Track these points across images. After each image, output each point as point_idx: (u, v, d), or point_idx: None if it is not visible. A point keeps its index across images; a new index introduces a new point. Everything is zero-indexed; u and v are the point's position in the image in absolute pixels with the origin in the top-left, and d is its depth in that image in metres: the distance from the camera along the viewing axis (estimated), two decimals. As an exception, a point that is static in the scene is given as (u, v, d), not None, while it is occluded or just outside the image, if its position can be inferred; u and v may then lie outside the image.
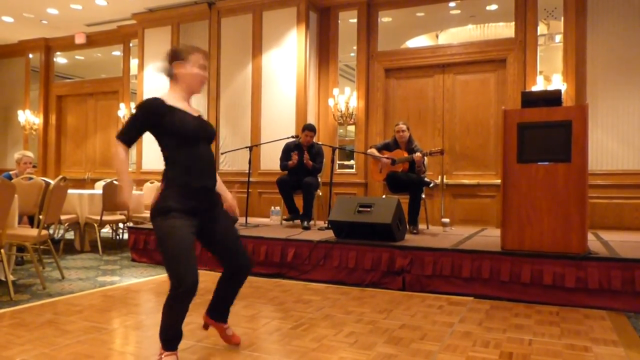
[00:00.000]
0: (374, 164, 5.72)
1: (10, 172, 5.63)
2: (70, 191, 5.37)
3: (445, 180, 6.87)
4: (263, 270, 4.60)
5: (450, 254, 4.05)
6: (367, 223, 4.43)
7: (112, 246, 6.44)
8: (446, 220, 5.67)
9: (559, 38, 6.33)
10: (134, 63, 9.13)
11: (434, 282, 4.07)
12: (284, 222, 6.03)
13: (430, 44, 7.24)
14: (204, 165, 2.32)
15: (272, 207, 6.70)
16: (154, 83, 8.18)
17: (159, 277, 4.59)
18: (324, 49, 7.56)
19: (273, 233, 5.02)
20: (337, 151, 6.26)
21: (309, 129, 5.79)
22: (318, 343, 2.74)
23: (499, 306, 3.64)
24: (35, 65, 10.22)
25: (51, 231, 4.66)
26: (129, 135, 2.27)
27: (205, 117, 2.47)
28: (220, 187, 2.51)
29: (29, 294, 3.84)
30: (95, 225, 5.86)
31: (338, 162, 7.23)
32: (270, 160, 7.18)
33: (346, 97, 7.20)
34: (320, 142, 6.37)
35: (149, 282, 4.40)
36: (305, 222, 5.51)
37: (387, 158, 5.40)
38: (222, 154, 7.52)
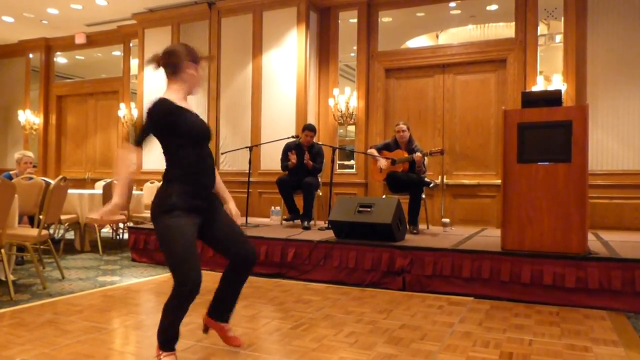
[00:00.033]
0: (374, 164, 5.72)
1: (11, 172, 5.63)
2: (70, 191, 5.37)
3: (445, 181, 6.87)
4: (263, 270, 4.60)
5: (451, 254, 4.05)
6: (367, 223, 4.43)
7: (112, 246, 6.44)
8: (446, 220, 5.67)
9: (559, 38, 6.33)
10: (134, 63, 9.14)
11: (434, 282, 4.07)
12: (284, 222, 6.03)
13: (430, 44, 7.24)
14: (206, 165, 2.33)
15: (272, 207, 6.70)
16: (154, 83, 8.18)
17: (159, 277, 4.59)
18: (324, 49, 7.56)
19: (273, 233, 5.02)
20: (337, 151, 6.27)
21: (309, 129, 5.79)
22: (318, 343, 2.74)
23: (499, 306, 3.64)
24: (35, 65, 10.22)
25: (51, 231, 4.67)
26: (140, 138, 2.25)
27: (203, 117, 2.47)
28: (220, 188, 2.51)
29: (29, 293, 3.84)
30: (96, 225, 5.86)
31: (338, 162, 7.23)
32: (271, 160, 7.19)
33: (346, 97, 7.20)
34: (320, 142, 6.37)
35: (149, 282, 4.40)
36: (306, 222, 5.51)
37: (387, 158, 5.40)
38: (222, 154, 7.52)
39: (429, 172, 6.02)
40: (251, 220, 6.19)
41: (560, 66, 6.26)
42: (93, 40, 9.59)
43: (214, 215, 2.35)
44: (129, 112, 9.00)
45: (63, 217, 5.63)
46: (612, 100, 6.09)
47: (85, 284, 4.22)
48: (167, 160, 2.30)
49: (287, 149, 5.83)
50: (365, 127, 7.25)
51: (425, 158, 5.19)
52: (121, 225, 6.87)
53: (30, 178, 4.68)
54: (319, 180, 5.98)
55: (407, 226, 5.00)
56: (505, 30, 6.73)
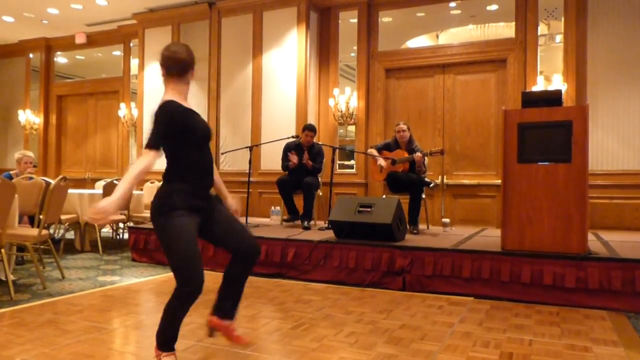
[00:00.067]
0: (374, 164, 5.72)
1: (11, 172, 5.63)
2: (70, 191, 5.37)
3: (445, 181, 6.87)
4: (263, 270, 4.60)
5: (451, 254, 4.05)
6: (368, 223, 4.43)
7: (112, 246, 6.45)
8: (446, 220, 5.67)
9: (559, 38, 6.33)
10: (134, 63, 9.13)
11: (434, 282, 4.07)
12: (283, 222, 6.03)
13: (430, 44, 7.24)
14: (207, 165, 2.34)
15: (272, 207, 6.70)
16: (154, 83, 8.19)
17: (159, 277, 4.60)
18: (325, 49, 7.56)
19: (273, 233, 5.02)
20: (337, 151, 6.27)
21: (309, 129, 5.80)
22: (318, 343, 2.74)
23: (499, 306, 3.64)
24: (35, 65, 10.22)
25: (51, 231, 4.67)
26: (159, 142, 2.19)
27: (203, 117, 2.47)
28: (220, 186, 2.51)
29: (29, 293, 3.84)
30: (96, 225, 5.86)
31: (338, 162, 7.23)
32: (271, 160, 7.19)
33: (346, 97, 7.20)
34: (320, 142, 6.37)
35: (149, 282, 4.40)
36: (306, 222, 5.51)
37: (387, 158, 5.41)
38: (222, 154, 7.52)
39: (429, 172, 6.02)
40: (251, 220, 6.19)
41: (560, 66, 6.26)
42: (93, 40, 9.59)
43: (212, 214, 2.36)
44: (129, 112, 8.99)
45: (63, 217, 5.63)
46: (612, 100, 6.09)
47: (86, 284, 4.23)
48: (168, 160, 2.30)
49: (287, 149, 5.83)
50: (365, 127, 7.25)
51: (426, 158, 5.19)
52: (121, 225, 6.87)
53: (31, 178, 4.68)
54: (319, 180, 5.98)
55: (407, 226, 5.00)
56: (506, 30, 6.73)
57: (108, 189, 5.78)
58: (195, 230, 2.22)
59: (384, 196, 5.61)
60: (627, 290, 3.52)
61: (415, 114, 7.13)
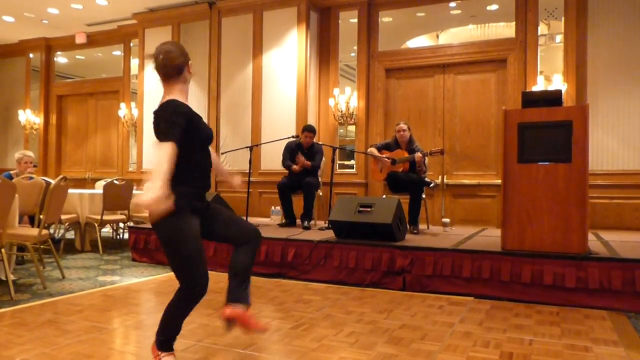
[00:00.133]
0: (374, 164, 5.72)
1: (11, 172, 5.63)
2: (70, 191, 5.37)
3: (445, 180, 6.87)
4: (263, 270, 4.60)
5: (451, 254, 4.05)
6: (368, 223, 4.43)
7: (112, 246, 6.45)
8: (446, 220, 5.67)
9: (559, 38, 6.33)
10: (134, 63, 9.14)
11: (435, 282, 4.07)
12: (279, 227, 6.00)
13: (430, 44, 7.24)
14: (208, 168, 2.37)
15: (273, 207, 6.70)
16: (155, 83, 8.16)
17: (159, 277, 4.60)
18: (325, 49, 7.56)
19: (273, 233, 5.02)
20: (337, 151, 6.27)
21: (309, 130, 5.80)
22: (318, 343, 2.74)
23: (499, 306, 3.63)
24: (35, 65, 10.22)
25: (52, 231, 4.67)
26: (177, 133, 2.11)
27: (203, 117, 2.48)
28: (219, 167, 2.63)
29: (30, 293, 3.84)
30: (96, 224, 5.86)
31: (338, 162, 7.23)
32: (271, 160, 7.19)
33: (347, 97, 7.20)
34: (320, 142, 6.37)
35: (149, 282, 4.40)
36: (306, 222, 5.51)
37: (388, 158, 5.41)
38: (222, 153, 7.52)
39: (429, 172, 6.02)
40: (251, 220, 6.17)
41: (560, 66, 6.26)
42: (93, 40, 9.59)
43: (209, 213, 2.37)
44: (129, 112, 9.00)
45: (63, 216, 5.63)
46: (613, 100, 6.09)
47: (86, 284, 4.23)
48: None
49: (288, 148, 5.85)
50: (365, 127, 7.25)
51: (426, 158, 5.19)
52: (121, 225, 6.87)
53: (31, 178, 4.68)
54: (319, 180, 5.98)
55: (408, 226, 5.00)
56: (506, 30, 6.73)
57: (108, 189, 5.79)
58: (199, 232, 2.23)
59: (384, 196, 5.61)
60: (628, 290, 3.52)
61: (416, 113, 7.13)
